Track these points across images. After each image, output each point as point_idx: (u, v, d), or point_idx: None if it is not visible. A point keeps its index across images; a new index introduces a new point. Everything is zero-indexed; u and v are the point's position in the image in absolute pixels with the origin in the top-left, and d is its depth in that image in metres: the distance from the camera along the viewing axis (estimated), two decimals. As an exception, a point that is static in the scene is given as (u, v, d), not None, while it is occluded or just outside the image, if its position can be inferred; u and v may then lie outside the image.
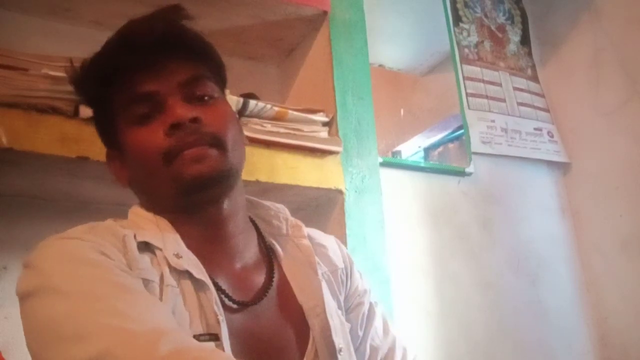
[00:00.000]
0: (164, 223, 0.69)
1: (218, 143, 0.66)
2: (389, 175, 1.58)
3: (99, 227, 0.66)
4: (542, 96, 2.03)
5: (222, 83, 0.75)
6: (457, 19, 1.92)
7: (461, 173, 1.75)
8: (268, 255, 0.76)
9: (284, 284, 0.74)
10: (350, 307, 0.81)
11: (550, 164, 1.97)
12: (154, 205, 0.72)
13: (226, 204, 0.71)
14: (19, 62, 0.92)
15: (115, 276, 0.58)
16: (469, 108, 1.81)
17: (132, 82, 0.67)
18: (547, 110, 2.01)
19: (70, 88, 0.90)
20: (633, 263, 1.75)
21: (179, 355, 0.49)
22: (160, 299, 0.62)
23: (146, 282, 0.61)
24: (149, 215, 0.71)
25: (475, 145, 1.76)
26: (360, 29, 1.34)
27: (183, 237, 0.68)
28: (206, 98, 0.69)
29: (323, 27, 1.30)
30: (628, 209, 1.78)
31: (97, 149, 0.94)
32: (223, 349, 0.61)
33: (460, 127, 1.81)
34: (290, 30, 1.33)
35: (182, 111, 0.65)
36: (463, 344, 1.58)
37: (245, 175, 0.80)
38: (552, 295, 1.78)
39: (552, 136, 1.96)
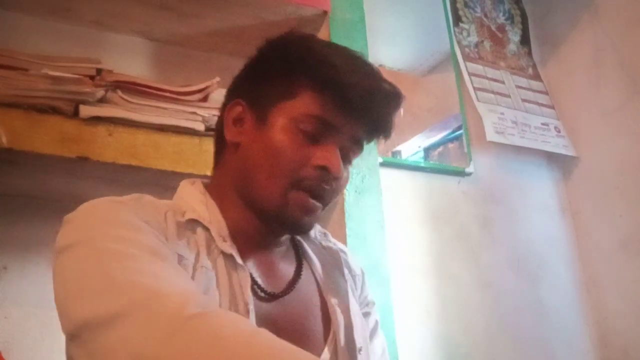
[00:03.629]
0: (213, 206, 0.71)
1: (326, 204, 0.71)
2: (389, 175, 1.58)
3: (144, 199, 0.68)
4: (546, 93, 2.02)
5: None
6: (457, 19, 1.92)
7: (461, 173, 1.75)
8: (297, 251, 0.79)
9: (310, 278, 0.76)
10: None
11: (550, 164, 1.97)
12: (238, 188, 0.72)
13: None
14: (19, 62, 0.92)
15: (151, 242, 0.59)
16: (478, 101, 1.80)
17: (330, 104, 0.68)
18: (552, 107, 2.00)
19: (70, 88, 0.92)
20: (633, 263, 1.75)
21: (205, 318, 0.48)
22: (192, 278, 0.62)
23: (180, 258, 0.62)
24: (201, 196, 0.72)
25: (490, 134, 1.75)
26: (360, 29, 1.33)
27: (229, 221, 0.70)
28: (348, 162, 0.74)
29: (323, 27, 1.30)
30: (628, 209, 1.78)
31: (97, 149, 0.94)
32: None
33: (460, 127, 1.81)
34: (291, 30, 1.33)
35: (339, 167, 0.69)
36: (463, 344, 1.58)
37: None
38: (552, 295, 1.78)
39: (559, 131, 1.95)
